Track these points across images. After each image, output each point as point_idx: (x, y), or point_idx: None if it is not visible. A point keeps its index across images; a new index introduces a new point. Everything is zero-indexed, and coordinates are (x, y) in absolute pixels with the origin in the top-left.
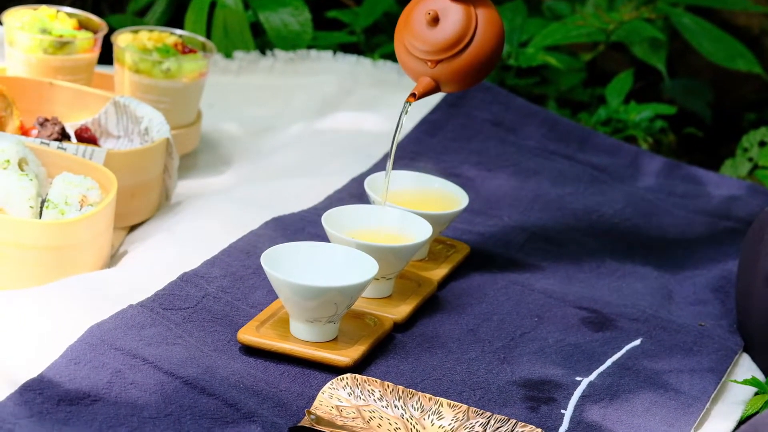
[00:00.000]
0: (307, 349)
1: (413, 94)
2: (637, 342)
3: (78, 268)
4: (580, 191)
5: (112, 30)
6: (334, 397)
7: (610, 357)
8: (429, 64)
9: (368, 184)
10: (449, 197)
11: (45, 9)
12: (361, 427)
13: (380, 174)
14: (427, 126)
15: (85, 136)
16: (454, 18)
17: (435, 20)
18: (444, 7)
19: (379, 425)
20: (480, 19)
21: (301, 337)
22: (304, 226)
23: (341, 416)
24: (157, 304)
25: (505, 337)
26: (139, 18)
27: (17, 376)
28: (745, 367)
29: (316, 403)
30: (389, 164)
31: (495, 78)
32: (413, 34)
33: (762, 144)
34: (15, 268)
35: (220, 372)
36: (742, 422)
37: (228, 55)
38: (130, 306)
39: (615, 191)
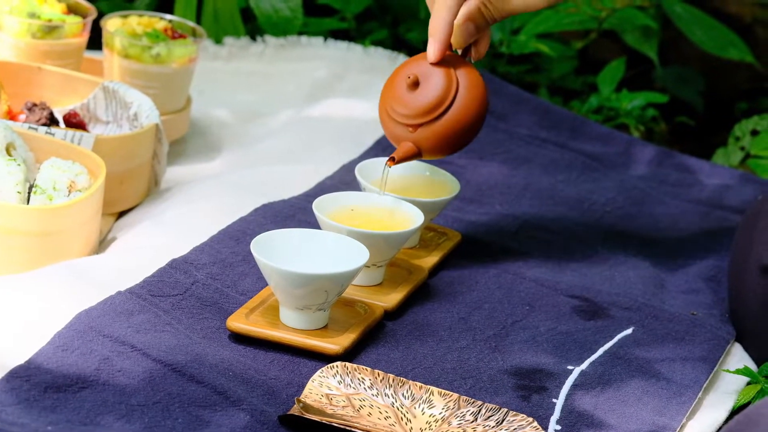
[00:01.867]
0: (296, 336)
1: (392, 158)
2: (629, 331)
3: (66, 254)
4: (572, 179)
5: (101, 15)
6: (323, 386)
7: (602, 346)
8: (410, 128)
9: (359, 171)
10: (440, 184)
11: None
12: (351, 416)
13: (371, 161)
14: None
15: (74, 122)
16: (434, 82)
17: (415, 84)
18: (425, 72)
19: (369, 414)
20: (461, 83)
21: (291, 325)
22: (294, 212)
23: (331, 405)
24: (146, 290)
25: (496, 325)
26: (129, 3)
27: (4, 363)
28: (738, 356)
29: (305, 391)
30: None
31: (487, 65)
32: (395, 98)
33: (754, 133)
34: (2, 253)
35: (209, 359)
36: (734, 412)
37: (218, 40)
38: (119, 293)
39: (607, 179)
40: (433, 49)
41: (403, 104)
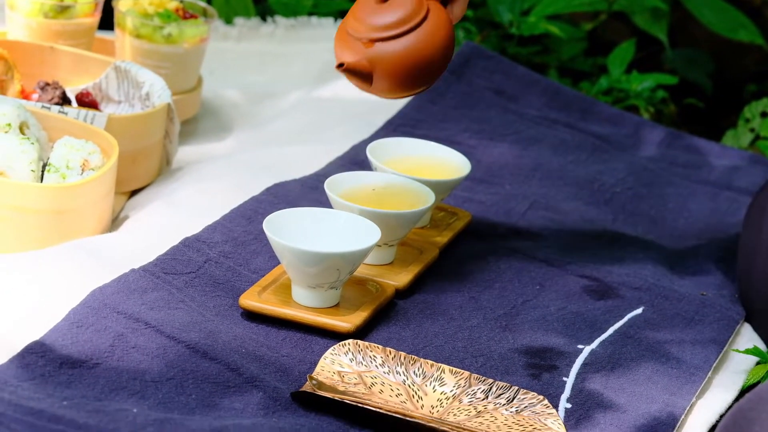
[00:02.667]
0: (308, 314)
1: (341, 65)
2: (639, 311)
3: (79, 232)
4: (582, 160)
5: None
6: (335, 363)
7: (612, 325)
8: (364, 43)
9: (371, 151)
10: (451, 164)
11: None
12: (363, 393)
13: (383, 141)
14: (428, 94)
15: (86, 101)
16: (404, 1)
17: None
18: None
19: (381, 391)
20: (431, 14)
21: (303, 303)
22: (305, 192)
23: (343, 382)
24: (159, 268)
25: (506, 305)
26: None
27: (19, 339)
28: (747, 336)
29: (317, 368)
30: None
31: (496, 46)
32: (356, 13)
33: (764, 115)
34: (16, 231)
35: (222, 337)
36: (743, 391)
37: (228, 21)
38: (132, 270)
39: (617, 160)
40: None
41: (366, 16)
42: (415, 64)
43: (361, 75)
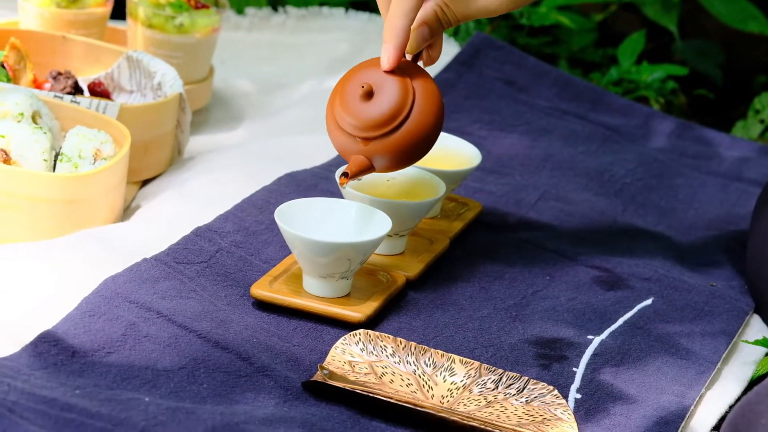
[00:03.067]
0: (319, 304)
1: (345, 174)
2: (649, 301)
3: (91, 221)
4: (592, 151)
5: None
6: (346, 353)
7: (622, 316)
8: (361, 141)
9: None
10: (462, 155)
11: None
12: (374, 383)
13: None
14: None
15: (98, 90)
16: (389, 92)
17: (369, 95)
18: (379, 81)
19: (392, 381)
20: (417, 94)
21: (314, 293)
22: (316, 182)
23: (354, 372)
24: (171, 258)
25: (516, 295)
26: None
27: (32, 328)
28: (756, 328)
29: (328, 358)
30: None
31: (506, 37)
32: (346, 107)
33: None
34: (28, 221)
35: (233, 326)
36: (752, 383)
37: (240, 11)
38: (144, 259)
39: (627, 151)
40: (387, 56)
41: (355, 115)
42: (412, 149)
43: (365, 171)
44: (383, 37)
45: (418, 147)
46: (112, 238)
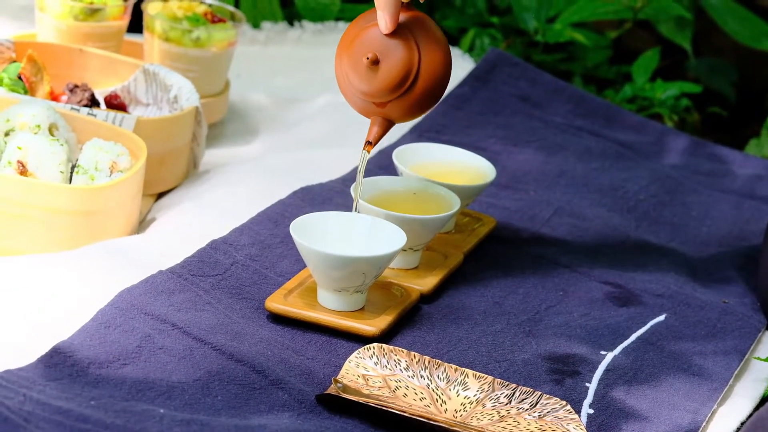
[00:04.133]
0: (334, 318)
1: (369, 142)
2: (662, 318)
3: (107, 233)
4: (606, 167)
5: None
6: (360, 366)
7: (635, 332)
8: (376, 104)
9: (397, 156)
10: (477, 170)
11: None
12: (387, 396)
13: (408, 146)
14: (453, 99)
15: (115, 103)
16: (394, 57)
17: (375, 63)
18: (382, 47)
19: (405, 395)
20: (422, 48)
21: (329, 307)
22: (331, 196)
23: (367, 385)
24: (186, 270)
25: (530, 310)
26: None
27: (47, 339)
28: None
29: (342, 371)
30: (354, 204)
31: (521, 53)
32: (355, 76)
33: None
34: (45, 232)
35: (248, 339)
36: (764, 399)
37: (256, 25)
38: (160, 272)
39: (640, 168)
40: (384, 23)
41: (367, 83)
42: (429, 99)
43: (386, 131)
44: (376, 3)
45: (433, 96)
46: (127, 250)
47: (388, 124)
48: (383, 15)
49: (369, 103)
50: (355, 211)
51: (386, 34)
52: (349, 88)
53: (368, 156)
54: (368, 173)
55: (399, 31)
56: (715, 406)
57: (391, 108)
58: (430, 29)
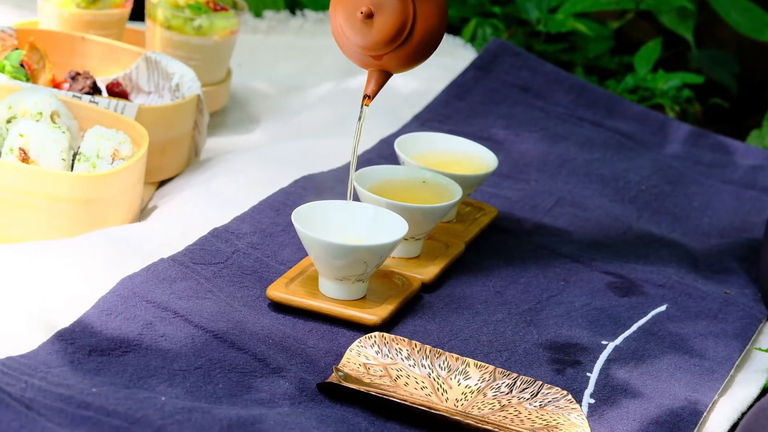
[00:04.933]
0: (335, 306)
1: (367, 96)
2: (663, 308)
3: (109, 221)
4: (608, 157)
5: None
6: (361, 355)
7: (636, 322)
8: (373, 57)
9: (398, 145)
10: (478, 160)
11: None
12: (388, 386)
13: (410, 135)
14: (455, 89)
15: (117, 91)
16: (389, 10)
17: (369, 16)
18: (376, 0)
19: (406, 384)
20: (417, 1)
21: (330, 295)
22: (333, 184)
23: (368, 374)
24: (188, 258)
25: (531, 299)
26: None
27: (50, 326)
28: None
29: (343, 360)
30: (351, 170)
31: (523, 43)
32: (351, 29)
33: None
34: (46, 219)
35: (249, 327)
36: (765, 389)
37: (258, 14)
38: (161, 260)
39: (642, 158)
40: None
41: (362, 36)
42: (425, 49)
43: (383, 83)
44: None
45: (430, 46)
46: (129, 237)
47: (385, 76)
48: None
49: (365, 55)
50: (354, 159)
51: None
52: (344, 41)
53: (367, 110)
54: (370, 162)
55: None
56: (716, 397)
57: (388, 60)
58: None
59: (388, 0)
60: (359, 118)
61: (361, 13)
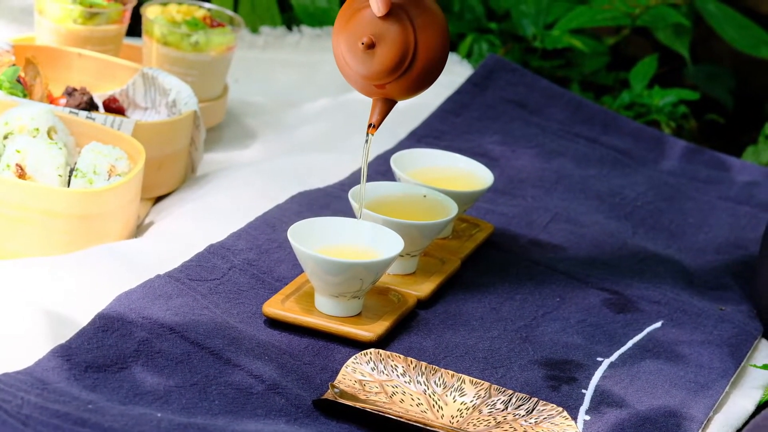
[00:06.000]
0: (331, 323)
1: (372, 125)
2: (658, 324)
3: (105, 237)
4: (603, 173)
5: (141, 2)
6: (357, 372)
7: (632, 338)
8: (375, 86)
9: (394, 162)
10: (474, 176)
11: None
12: (384, 402)
13: (406, 151)
14: (451, 105)
15: (113, 107)
16: (390, 40)
17: (371, 47)
18: (377, 30)
19: (402, 400)
20: (417, 26)
21: (326, 312)
22: (329, 201)
23: (364, 391)
24: (184, 274)
25: (527, 316)
26: None
27: (45, 343)
28: (765, 352)
29: (339, 377)
30: (362, 190)
31: (519, 59)
32: (353, 56)
33: None
34: (43, 235)
35: (245, 344)
36: (760, 407)
37: (254, 30)
38: (158, 276)
39: (638, 174)
40: (377, 6)
41: (364, 66)
42: (429, 77)
43: (388, 111)
44: None
45: (433, 73)
46: (125, 253)
47: (389, 104)
48: (375, 1)
49: (368, 84)
50: (363, 184)
51: (380, 17)
52: (347, 71)
53: (371, 138)
54: (367, 179)
55: (393, 11)
56: (712, 414)
57: (391, 88)
58: (424, 3)
59: (389, 30)
60: (365, 146)
61: (363, 43)
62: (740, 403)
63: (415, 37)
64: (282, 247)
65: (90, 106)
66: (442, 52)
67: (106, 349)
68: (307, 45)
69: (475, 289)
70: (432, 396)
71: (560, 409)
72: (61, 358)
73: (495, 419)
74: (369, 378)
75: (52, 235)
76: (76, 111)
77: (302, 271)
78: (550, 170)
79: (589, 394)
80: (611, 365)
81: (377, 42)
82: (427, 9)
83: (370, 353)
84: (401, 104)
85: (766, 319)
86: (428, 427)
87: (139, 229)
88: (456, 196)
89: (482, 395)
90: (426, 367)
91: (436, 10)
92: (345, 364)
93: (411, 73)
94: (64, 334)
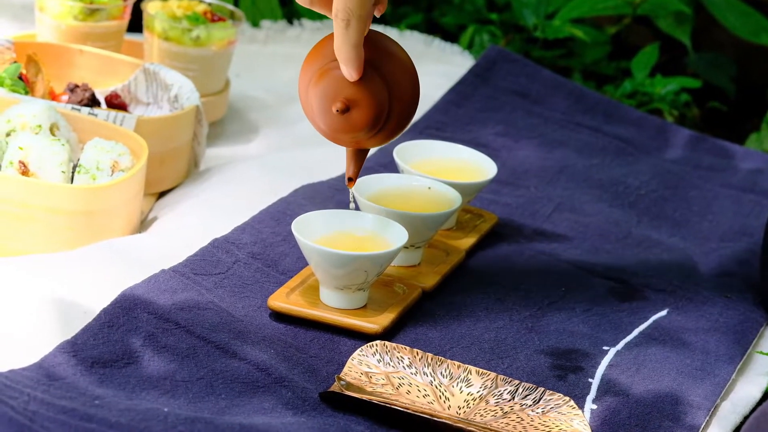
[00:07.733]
0: (336, 316)
1: (350, 179)
2: (664, 312)
3: (109, 233)
4: (606, 163)
5: None
6: (363, 364)
7: (637, 327)
8: (349, 141)
9: (397, 153)
10: (477, 167)
11: None
12: (390, 394)
13: (409, 143)
14: (453, 96)
15: (115, 103)
16: (365, 102)
17: (345, 110)
18: (350, 94)
19: (408, 392)
20: (391, 85)
21: (331, 304)
22: (333, 194)
23: (370, 382)
24: (189, 269)
25: (532, 306)
26: None
27: (51, 339)
28: None
29: (345, 369)
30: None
31: (521, 50)
32: (325, 115)
33: None
34: (46, 232)
35: (251, 337)
36: (767, 393)
37: (255, 24)
38: (162, 271)
39: (641, 163)
40: (349, 73)
41: (339, 125)
42: (402, 127)
43: (364, 160)
44: (337, 56)
45: (407, 121)
46: (129, 249)
47: (363, 154)
48: (347, 68)
49: (341, 139)
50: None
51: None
52: (318, 125)
53: (354, 192)
54: (369, 171)
55: (364, 72)
56: (718, 401)
57: (366, 142)
58: (391, 52)
59: (363, 93)
60: (351, 198)
61: (337, 110)
62: (747, 389)
63: (390, 94)
64: (286, 241)
65: (92, 102)
66: (414, 100)
67: (112, 345)
68: (308, 38)
69: (480, 279)
70: (438, 387)
71: (567, 398)
72: (67, 354)
73: (502, 409)
74: (375, 370)
75: (56, 231)
76: (78, 107)
77: (307, 264)
78: (553, 160)
79: (595, 383)
80: (617, 354)
81: (351, 106)
82: (396, 58)
83: (376, 345)
84: None
85: None
86: (435, 419)
87: (142, 225)
88: (459, 187)
89: (489, 386)
90: (432, 359)
91: (404, 56)
92: (351, 357)
93: (387, 128)
94: (69, 330)
